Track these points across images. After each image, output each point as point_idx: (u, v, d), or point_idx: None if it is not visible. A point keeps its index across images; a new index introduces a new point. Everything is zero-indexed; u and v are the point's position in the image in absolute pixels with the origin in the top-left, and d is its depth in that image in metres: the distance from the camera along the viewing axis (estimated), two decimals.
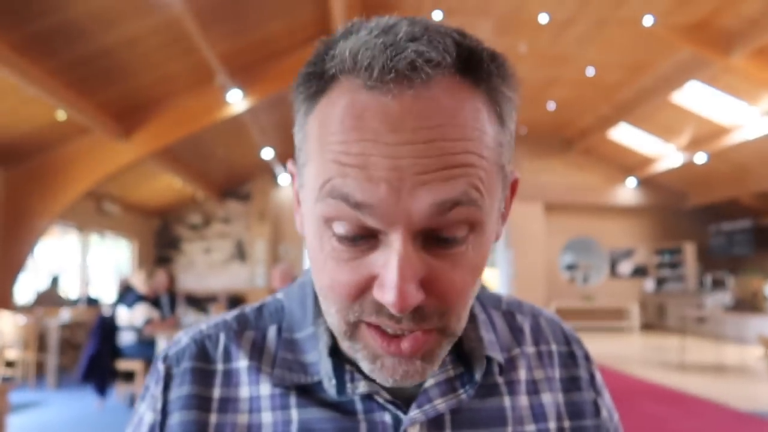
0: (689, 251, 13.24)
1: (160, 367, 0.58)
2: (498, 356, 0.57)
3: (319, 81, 0.45)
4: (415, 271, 0.42)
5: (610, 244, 14.17)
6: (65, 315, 7.23)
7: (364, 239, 0.44)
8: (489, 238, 0.47)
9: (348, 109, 0.43)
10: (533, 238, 12.81)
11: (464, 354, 0.56)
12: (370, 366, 0.47)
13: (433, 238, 0.44)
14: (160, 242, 13.92)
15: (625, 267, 14.22)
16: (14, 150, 7.64)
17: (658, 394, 6.00)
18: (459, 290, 0.45)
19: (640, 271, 14.24)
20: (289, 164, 0.54)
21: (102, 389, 5.08)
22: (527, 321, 0.65)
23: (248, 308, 0.62)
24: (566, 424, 0.59)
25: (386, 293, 0.42)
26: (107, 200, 10.98)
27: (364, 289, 0.45)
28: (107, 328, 5.19)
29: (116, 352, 5.19)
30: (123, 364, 5.16)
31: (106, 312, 6.22)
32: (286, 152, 10.30)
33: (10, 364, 6.64)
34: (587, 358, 0.65)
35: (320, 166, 0.44)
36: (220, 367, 0.57)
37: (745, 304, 7.77)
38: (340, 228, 0.44)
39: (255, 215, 13.70)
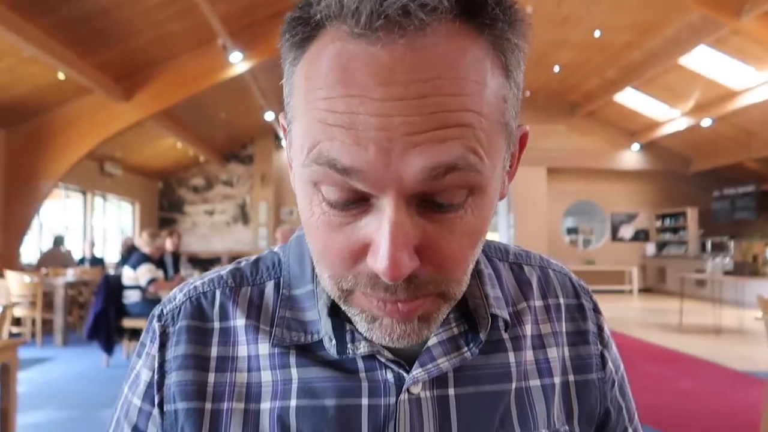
0: (691, 216, 13.23)
1: (156, 325, 0.56)
2: (503, 313, 0.55)
3: (305, 27, 0.41)
4: (408, 237, 0.40)
5: (613, 208, 14.16)
6: (70, 274, 7.30)
7: (356, 204, 0.42)
8: (491, 200, 0.44)
9: (334, 61, 0.39)
10: (535, 203, 12.79)
11: (468, 311, 0.55)
12: (368, 326, 0.46)
13: (429, 202, 0.41)
14: (164, 204, 13.96)
15: (627, 231, 14.24)
16: (14, 110, 7.60)
17: (657, 354, 6.08)
18: (456, 256, 0.43)
19: (641, 235, 14.27)
20: (281, 117, 0.50)
21: (108, 346, 5.17)
22: (535, 273, 0.63)
23: (244, 262, 0.61)
24: (571, 378, 0.59)
25: (378, 261, 0.40)
26: (109, 162, 10.96)
27: (357, 255, 0.43)
28: (112, 287, 5.25)
29: (122, 311, 5.26)
30: (128, 322, 5.24)
31: (111, 272, 6.31)
32: None
33: (17, 321, 6.74)
34: (596, 310, 0.64)
35: (306, 127, 0.41)
36: (216, 325, 0.56)
37: (745, 268, 7.79)
38: (329, 193, 0.42)
39: (257, 178, 13.69)
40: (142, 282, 5.24)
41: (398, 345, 0.46)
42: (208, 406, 0.52)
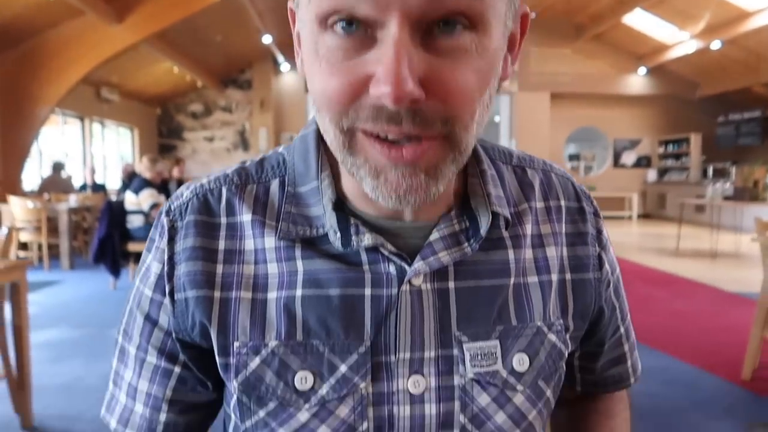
0: (695, 142, 13.12)
1: (164, 220, 0.58)
2: (504, 211, 0.56)
3: None
4: (411, 62, 0.40)
5: (616, 134, 14.04)
6: (73, 200, 7.34)
7: (360, 37, 0.42)
8: (493, 50, 0.45)
9: None
10: (538, 129, 12.67)
11: (470, 209, 0.56)
12: (374, 182, 0.46)
13: (432, 36, 0.42)
14: (162, 130, 13.84)
15: (629, 157, 14.19)
16: (5, 33, 7.39)
17: (653, 277, 6.20)
18: (462, 91, 0.43)
19: (643, 162, 14.22)
20: (289, 3, 0.51)
21: (114, 270, 5.27)
22: (538, 176, 0.64)
23: (249, 162, 0.61)
24: (568, 276, 0.60)
25: (381, 84, 0.40)
26: (106, 87, 10.78)
27: (358, 90, 0.42)
28: (115, 212, 5.29)
29: (126, 235, 5.33)
30: (133, 246, 5.31)
31: (113, 198, 6.35)
32: (286, 38, 9.92)
33: (24, 246, 6.84)
34: (596, 214, 0.65)
35: None
36: (223, 220, 0.57)
37: (745, 193, 7.80)
38: (334, 23, 0.42)
39: (256, 103, 13.49)
40: (145, 207, 5.28)
41: (405, 202, 0.46)
42: (217, 294, 0.54)
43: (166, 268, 0.56)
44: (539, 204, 0.62)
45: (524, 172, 0.63)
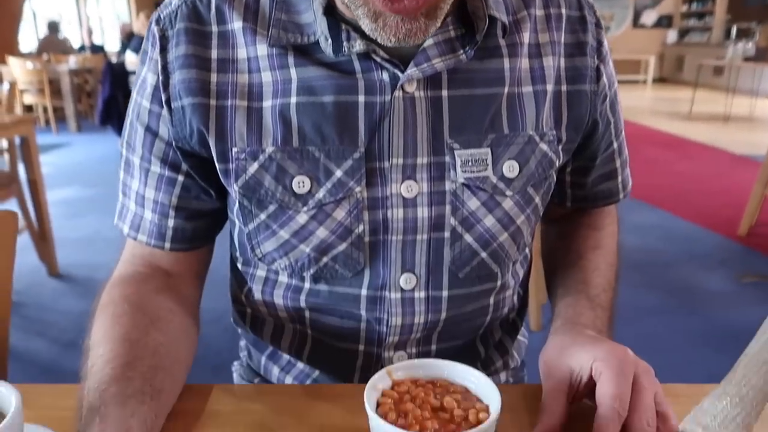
0: None
1: (155, 29, 0.57)
2: (502, 17, 0.54)
3: None
4: None
5: None
6: (72, 61, 7.17)
7: None
8: None
9: None
10: None
11: (467, 15, 0.54)
12: (372, 25, 0.46)
13: None
14: None
15: (649, 17, 13.45)
16: None
17: (661, 140, 6.16)
18: None
19: (664, 21, 13.51)
20: None
21: (121, 130, 5.28)
22: None
23: None
24: (564, 87, 0.59)
25: None
26: None
27: None
28: (117, 73, 5.20)
29: (130, 96, 5.27)
30: None
31: (114, 59, 6.19)
32: None
33: (29, 109, 6.81)
34: (598, 25, 0.62)
35: None
36: (214, 28, 0.56)
37: (767, 54, 7.49)
38: None
39: None
40: None
41: (404, 44, 0.47)
42: (212, 102, 0.55)
43: (161, 78, 0.56)
44: (539, 12, 0.59)
45: None
